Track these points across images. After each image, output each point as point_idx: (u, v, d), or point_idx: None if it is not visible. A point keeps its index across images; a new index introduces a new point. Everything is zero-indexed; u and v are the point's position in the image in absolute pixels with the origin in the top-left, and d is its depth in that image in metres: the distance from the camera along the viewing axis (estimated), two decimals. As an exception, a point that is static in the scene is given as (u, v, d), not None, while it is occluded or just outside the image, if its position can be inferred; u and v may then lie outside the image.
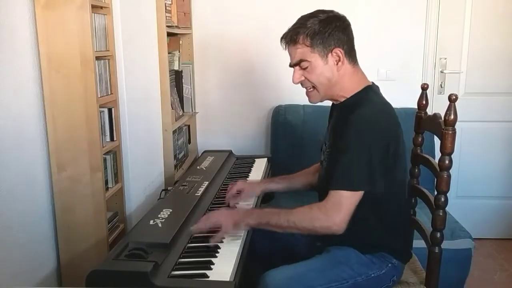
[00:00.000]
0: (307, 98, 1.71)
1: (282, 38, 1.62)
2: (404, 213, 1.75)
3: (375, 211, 1.58)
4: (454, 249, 2.28)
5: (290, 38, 1.59)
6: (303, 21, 1.59)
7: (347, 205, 1.48)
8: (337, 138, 1.58)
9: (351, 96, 1.62)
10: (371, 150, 1.50)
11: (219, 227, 1.59)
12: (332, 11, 1.62)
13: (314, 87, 1.63)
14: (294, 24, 1.61)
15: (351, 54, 1.61)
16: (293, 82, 1.64)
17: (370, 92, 1.63)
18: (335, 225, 1.48)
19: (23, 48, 1.71)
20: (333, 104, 1.74)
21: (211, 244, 1.57)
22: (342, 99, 1.65)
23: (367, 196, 1.52)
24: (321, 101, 1.69)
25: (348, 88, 1.63)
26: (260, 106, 3.17)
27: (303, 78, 1.62)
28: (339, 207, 1.48)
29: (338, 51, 1.57)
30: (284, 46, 1.63)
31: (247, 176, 2.33)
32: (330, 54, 1.57)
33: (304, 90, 1.68)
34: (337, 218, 1.48)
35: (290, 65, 1.64)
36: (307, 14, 1.62)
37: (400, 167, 1.64)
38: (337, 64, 1.58)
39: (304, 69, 1.60)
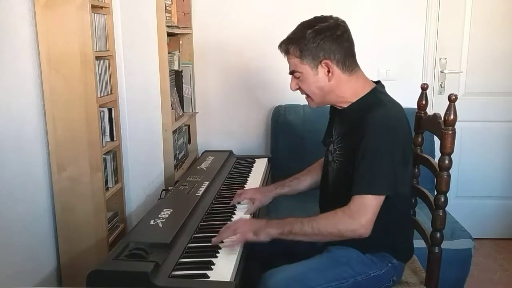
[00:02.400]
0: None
1: (278, 46, 1.65)
2: (405, 213, 1.75)
3: (380, 211, 1.58)
4: (454, 249, 2.27)
5: (283, 48, 1.63)
6: (296, 31, 1.61)
7: (372, 208, 1.48)
8: (353, 142, 1.57)
9: (358, 100, 1.62)
10: (392, 154, 1.50)
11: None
12: (331, 17, 1.61)
13: (308, 95, 1.66)
14: (290, 34, 1.63)
15: (346, 62, 1.59)
16: (291, 89, 1.68)
17: (378, 93, 1.63)
18: (361, 228, 1.48)
19: (23, 48, 1.71)
20: (334, 108, 1.74)
21: (225, 245, 1.57)
22: (346, 105, 1.65)
23: None
24: (318, 107, 1.71)
25: (349, 94, 1.62)
26: (260, 106, 3.16)
27: (297, 86, 1.66)
28: (364, 210, 1.48)
29: (328, 62, 1.57)
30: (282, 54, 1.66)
31: (247, 176, 2.33)
32: (320, 66, 1.58)
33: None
34: (363, 220, 1.48)
35: (289, 73, 1.67)
36: (305, 22, 1.62)
37: (411, 167, 1.67)
38: (327, 74, 1.59)
39: (297, 78, 1.63)
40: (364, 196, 1.48)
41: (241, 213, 1.86)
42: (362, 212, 1.48)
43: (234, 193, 2.05)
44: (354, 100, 1.63)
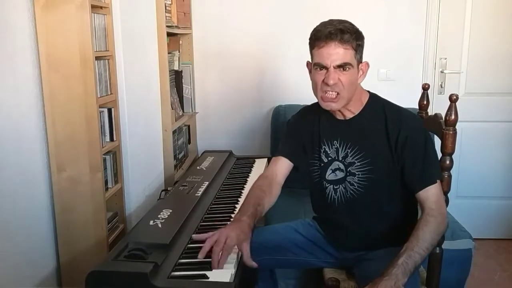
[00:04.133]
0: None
1: (339, 31, 1.51)
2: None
3: (403, 206, 1.64)
4: (455, 249, 2.27)
5: (345, 37, 1.51)
6: (349, 25, 1.55)
7: (442, 194, 1.58)
8: (382, 147, 1.60)
9: (365, 107, 1.65)
10: (432, 142, 1.61)
11: None
12: None
13: (338, 93, 1.56)
14: (346, 25, 1.54)
15: None
16: (331, 82, 1.53)
17: (378, 97, 1.68)
18: (445, 217, 1.56)
19: (23, 48, 1.71)
20: (332, 118, 1.69)
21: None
22: (350, 114, 1.65)
23: (402, 192, 1.61)
24: (337, 109, 1.62)
25: (357, 102, 1.64)
26: (260, 106, 3.16)
27: (337, 80, 1.55)
28: (439, 199, 1.55)
29: (366, 64, 1.61)
30: (323, 43, 1.52)
31: (247, 177, 2.33)
32: (360, 64, 1.59)
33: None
34: (443, 209, 1.56)
35: (327, 67, 1.54)
36: (343, 19, 1.57)
37: None
38: (359, 76, 1.60)
39: (347, 71, 1.54)
40: (429, 188, 1.55)
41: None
42: (440, 203, 1.55)
43: (234, 194, 2.05)
44: (359, 108, 1.64)
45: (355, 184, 1.65)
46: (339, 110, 1.64)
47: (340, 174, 1.67)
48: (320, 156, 1.71)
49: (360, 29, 1.58)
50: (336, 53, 1.52)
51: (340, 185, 1.67)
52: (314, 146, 1.73)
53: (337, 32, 1.51)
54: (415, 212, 1.66)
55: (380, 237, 1.65)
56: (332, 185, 1.69)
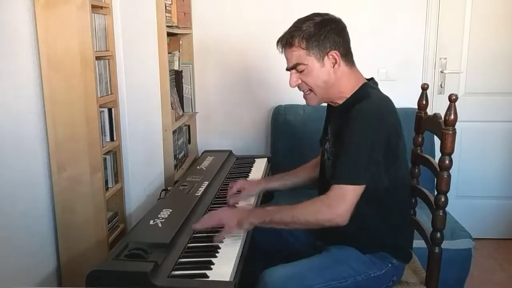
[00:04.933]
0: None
1: (278, 41, 1.63)
2: (405, 212, 1.75)
3: (376, 209, 1.57)
4: (454, 249, 2.28)
5: (286, 41, 1.60)
6: (299, 24, 1.59)
7: (350, 198, 1.49)
8: (339, 136, 1.58)
9: (351, 96, 1.62)
10: (372, 143, 1.51)
11: (222, 226, 1.59)
12: (327, 14, 1.62)
13: (311, 90, 1.63)
14: (290, 28, 1.62)
15: (347, 56, 1.61)
16: (290, 85, 1.64)
17: (368, 88, 1.63)
18: (338, 217, 1.48)
19: (23, 48, 1.71)
20: (330, 106, 1.73)
21: (213, 243, 1.57)
22: (341, 101, 1.65)
23: (369, 194, 1.52)
24: (318, 104, 1.69)
25: (347, 89, 1.63)
26: (260, 106, 3.17)
27: (299, 81, 1.62)
28: (343, 199, 1.48)
29: (334, 54, 1.57)
30: (280, 50, 1.63)
31: (247, 176, 2.33)
32: (326, 57, 1.58)
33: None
34: (340, 209, 1.48)
35: (287, 69, 1.64)
36: (303, 17, 1.62)
37: (402, 163, 1.65)
38: (333, 66, 1.59)
39: (301, 72, 1.60)
40: (342, 186, 1.49)
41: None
42: (340, 201, 1.49)
43: (234, 194, 2.06)
44: (348, 95, 1.63)
45: (329, 169, 1.68)
46: (331, 99, 1.67)
47: (326, 155, 1.72)
48: (327, 134, 1.75)
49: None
50: (287, 56, 1.62)
51: (326, 165, 1.72)
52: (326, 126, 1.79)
53: (283, 38, 1.61)
54: (386, 216, 1.61)
55: (336, 230, 1.55)
56: (324, 163, 1.74)
